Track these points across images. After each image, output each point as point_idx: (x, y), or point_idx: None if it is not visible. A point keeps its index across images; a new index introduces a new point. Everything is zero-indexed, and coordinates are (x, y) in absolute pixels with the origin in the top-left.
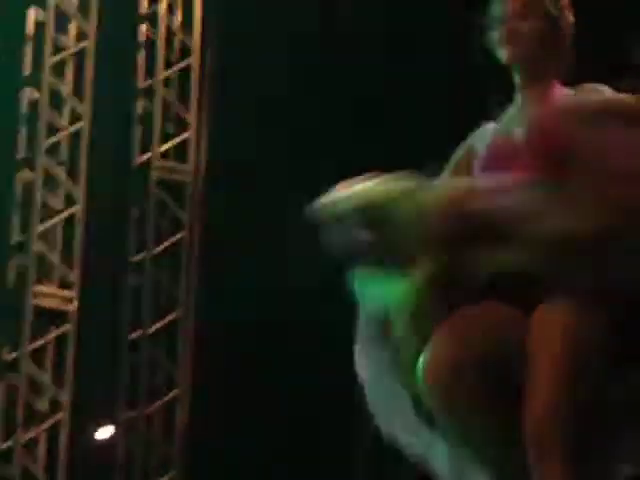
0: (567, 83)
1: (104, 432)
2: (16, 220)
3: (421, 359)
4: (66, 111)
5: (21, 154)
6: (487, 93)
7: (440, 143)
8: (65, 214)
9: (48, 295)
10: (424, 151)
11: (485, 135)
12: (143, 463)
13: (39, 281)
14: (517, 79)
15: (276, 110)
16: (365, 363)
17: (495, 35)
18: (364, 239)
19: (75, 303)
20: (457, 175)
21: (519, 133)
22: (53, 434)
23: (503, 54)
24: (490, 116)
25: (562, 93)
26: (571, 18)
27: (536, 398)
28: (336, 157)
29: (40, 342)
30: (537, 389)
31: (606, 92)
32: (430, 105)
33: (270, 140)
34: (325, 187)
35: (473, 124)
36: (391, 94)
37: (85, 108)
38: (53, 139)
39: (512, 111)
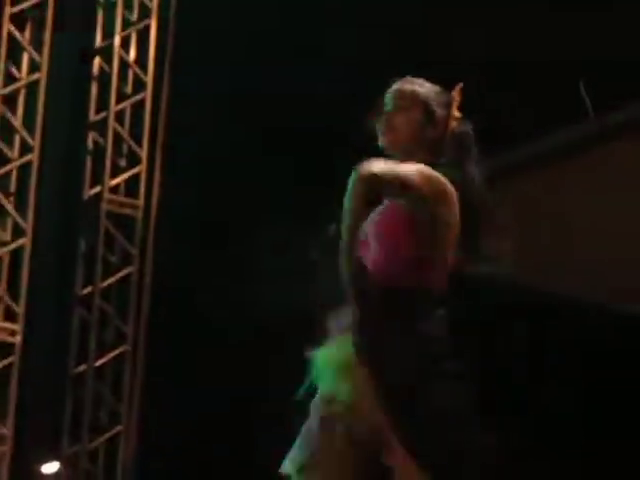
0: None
1: (48, 467)
2: None
3: None
4: (16, 142)
5: None
6: None
7: None
8: (13, 245)
9: None
10: None
11: None
12: None
13: None
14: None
15: (228, 147)
16: None
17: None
18: None
19: (19, 336)
20: None
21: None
22: None
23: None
24: None
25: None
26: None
27: None
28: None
29: None
30: None
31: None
32: None
33: (222, 176)
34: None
35: None
36: None
37: (35, 140)
38: (2, 170)
39: None
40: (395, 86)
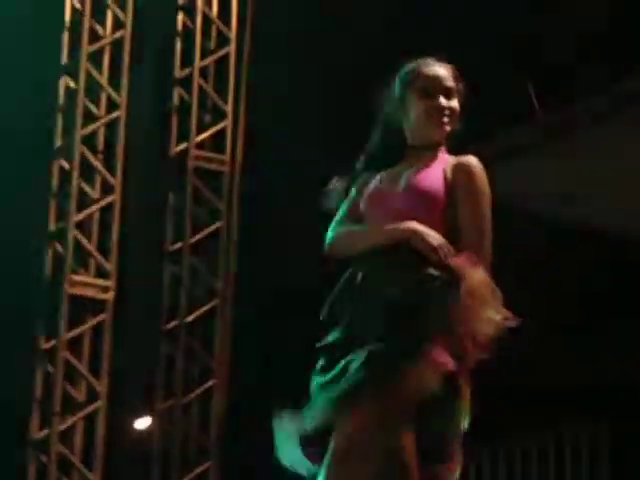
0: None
1: (141, 422)
2: (53, 209)
3: None
4: (103, 100)
5: (58, 143)
6: None
7: None
8: (102, 203)
9: (85, 284)
10: None
11: (370, 182)
12: (180, 453)
13: (76, 270)
14: (413, 140)
15: (313, 98)
16: None
17: (419, 109)
18: None
19: (112, 292)
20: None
21: (401, 185)
22: (90, 423)
23: (432, 131)
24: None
25: (444, 157)
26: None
27: None
28: None
29: (77, 331)
30: None
31: (473, 163)
32: None
33: (307, 127)
34: None
35: None
36: None
37: (122, 97)
38: (90, 128)
39: (399, 166)
40: (437, 65)
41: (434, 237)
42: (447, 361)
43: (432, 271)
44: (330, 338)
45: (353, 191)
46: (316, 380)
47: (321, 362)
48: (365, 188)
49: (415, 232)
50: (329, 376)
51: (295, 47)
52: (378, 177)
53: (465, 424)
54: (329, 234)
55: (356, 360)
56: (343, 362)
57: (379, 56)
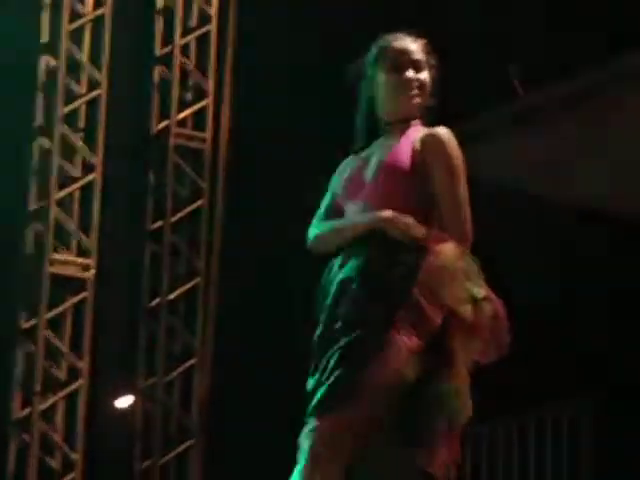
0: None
1: (123, 401)
2: (33, 188)
3: None
4: (83, 78)
5: (38, 122)
6: None
7: None
8: (82, 182)
9: (65, 263)
10: None
11: (349, 167)
12: (162, 431)
13: (56, 249)
14: (385, 116)
15: (299, 76)
16: None
17: (388, 84)
18: None
19: (92, 270)
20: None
21: (371, 166)
22: (71, 402)
23: (401, 104)
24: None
25: (417, 130)
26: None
27: None
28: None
29: (58, 310)
30: None
31: (441, 132)
32: None
33: (292, 107)
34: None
35: None
36: None
37: (103, 75)
38: (70, 107)
39: (374, 146)
40: (408, 40)
41: (405, 222)
42: (413, 342)
43: (402, 256)
44: (315, 334)
45: (333, 180)
46: (308, 384)
47: (311, 362)
48: (343, 174)
49: (386, 220)
50: (313, 381)
51: (280, 23)
52: (355, 161)
53: (461, 409)
54: (310, 230)
55: (332, 358)
56: (324, 361)
57: (361, 37)
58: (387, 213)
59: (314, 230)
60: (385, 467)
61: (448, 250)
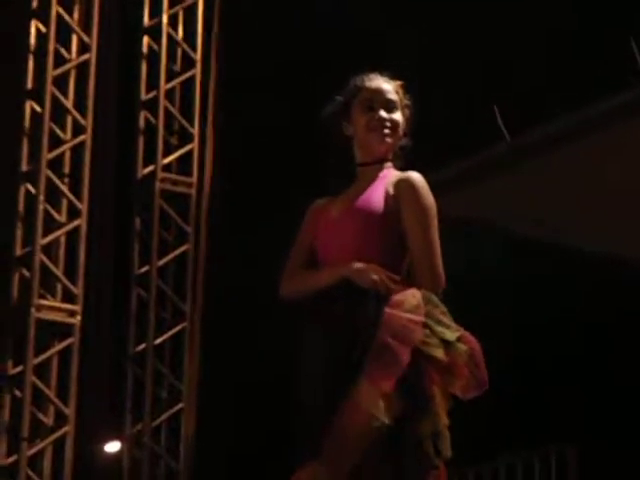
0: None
1: (110, 446)
2: (19, 233)
3: None
4: (69, 124)
5: (24, 167)
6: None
7: None
8: (69, 227)
9: (52, 308)
10: None
11: (322, 210)
12: (150, 476)
13: (42, 295)
14: (358, 157)
15: (280, 122)
16: None
17: (360, 123)
18: None
19: (79, 316)
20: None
21: (346, 206)
22: (59, 448)
23: (374, 145)
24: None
25: (390, 174)
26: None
27: None
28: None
29: (44, 355)
30: None
31: (414, 177)
32: None
33: (276, 152)
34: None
35: None
36: None
37: (88, 120)
38: (55, 152)
39: (349, 188)
40: (382, 80)
41: (373, 273)
42: (386, 384)
43: (369, 304)
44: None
45: (305, 223)
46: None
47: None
48: (317, 218)
49: (354, 271)
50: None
51: (265, 69)
52: (328, 204)
53: (440, 452)
54: (282, 280)
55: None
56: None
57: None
58: (356, 265)
59: (284, 278)
60: None
61: (410, 298)
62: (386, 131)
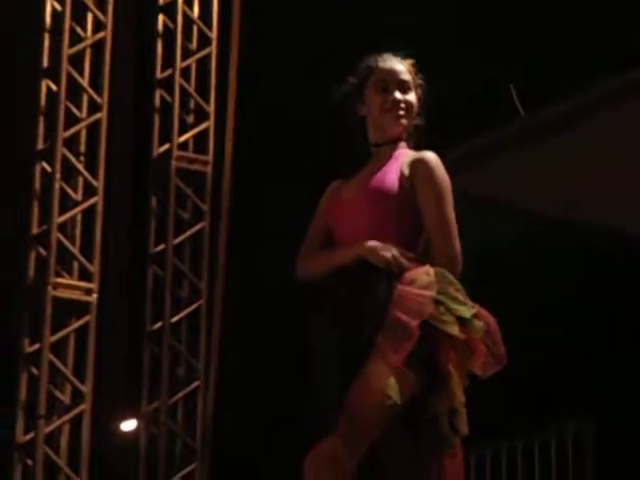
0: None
1: (127, 424)
2: (35, 212)
3: None
4: (84, 102)
5: (40, 145)
6: None
7: None
8: (84, 205)
9: (68, 286)
10: None
11: (337, 192)
12: (166, 454)
13: (59, 273)
14: (372, 137)
15: (297, 99)
16: None
17: (375, 105)
18: None
19: (95, 294)
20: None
21: (359, 191)
22: (75, 426)
23: (388, 125)
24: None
25: (405, 154)
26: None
27: None
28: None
29: (61, 334)
30: None
31: (428, 156)
32: None
33: (291, 130)
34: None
35: None
36: None
37: (104, 98)
38: (71, 130)
39: (363, 169)
40: (395, 60)
41: (387, 251)
42: (397, 358)
43: (382, 282)
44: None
45: (321, 205)
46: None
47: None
48: (332, 199)
49: (369, 250)
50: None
51: (280, 43)
52: (343, 185)
53: (457, 430)
54: (298, 261)
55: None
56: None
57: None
58: (371, 243)
59: (300, 260)
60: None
61: (423, 276)
62: (401, 112)
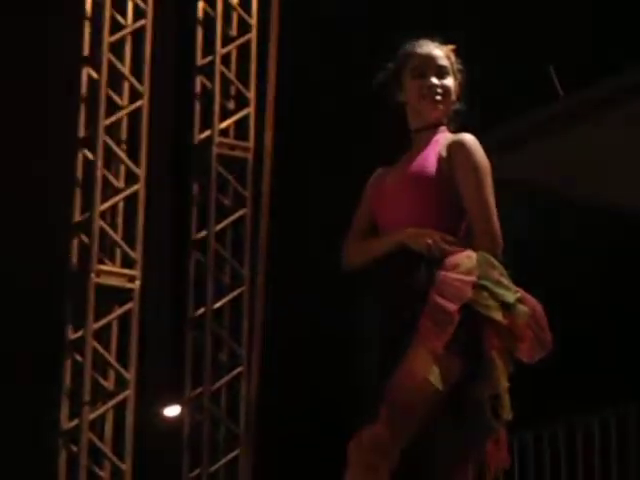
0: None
1: (170, 410)
2: (78, 199)
3: None
4: (125, 90)
5: (81, 133)
6: None
7: None
8: (126, 192)
9: (111, 274)
10: None
11: (380, 179)
12: (210, 439)
13: (101, 260)
14: (412, 123)
15: (338, 83)
16: None
17: (412, 90)
18: None
19: (138, 281)
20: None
21: (401, 173)
22: (119, 412)
23: (426, 111)
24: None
25: (443, 137)
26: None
27: None
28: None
29: (104, 321)
30: None
31: (466, 138)
32: None
33: (332, 114)
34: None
35: None
36: None
37: (145, 86)
38: (112, 118)
39: (404, 155)
40: (432, 46)
41: (427, 237)
42: (438, 343)
43: (423, 268)
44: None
45: (365, 193)
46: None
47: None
48: (375, 187)
49: (409, 236)
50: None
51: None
52: (386, 172)
53: (501, 415)
54: (343, 249)
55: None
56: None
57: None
58: (411, 229)
59: (346, 248)
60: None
61: (465, 260)
62: (438, 97)
